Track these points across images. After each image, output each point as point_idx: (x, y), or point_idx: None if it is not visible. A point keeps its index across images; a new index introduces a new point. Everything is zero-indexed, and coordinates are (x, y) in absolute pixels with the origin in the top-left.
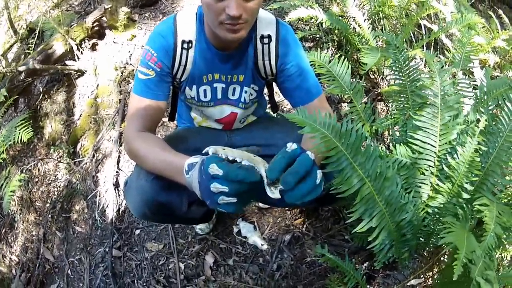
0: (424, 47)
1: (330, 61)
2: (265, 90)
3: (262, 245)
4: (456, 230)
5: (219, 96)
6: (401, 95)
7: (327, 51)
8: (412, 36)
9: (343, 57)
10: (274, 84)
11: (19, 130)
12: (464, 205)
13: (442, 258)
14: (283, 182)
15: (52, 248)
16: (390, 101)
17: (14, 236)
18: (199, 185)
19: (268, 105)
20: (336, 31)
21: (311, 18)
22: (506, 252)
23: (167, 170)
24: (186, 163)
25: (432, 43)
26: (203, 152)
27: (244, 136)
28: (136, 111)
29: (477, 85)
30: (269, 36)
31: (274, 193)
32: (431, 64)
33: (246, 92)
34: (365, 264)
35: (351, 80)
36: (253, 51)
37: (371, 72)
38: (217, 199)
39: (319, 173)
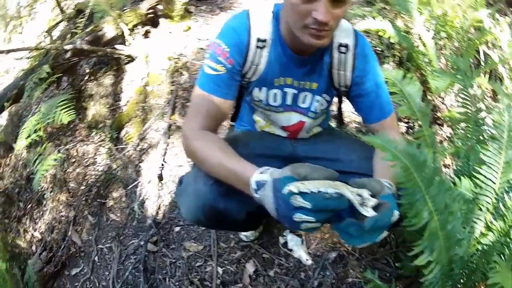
0: (483, 75)
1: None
2: None
3: (306, 260)
4: (502, 271)
5: (288, 102)
6: (465, 124)
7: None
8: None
9: (414, 76)
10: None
11: (60, 110)
12: (511, 245)
13: None
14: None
15: (81, 232)
16: (452, 127)
17: (41, 213)
18: (276, 211)
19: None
20: (398, 46)
21: (378, 31)
22: None
23: (229, 177)
24: (254, 180)
25: (489, 71)
26: (283, 192)
27: (309, 147)
28: (200, 108)
29: None
30: (346, 45)
31: (368, 211)
32: (501, 97)
33: (318, 101)
34: None
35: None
36: (329, 59)
37: (429, 94)
38: (300, 226)
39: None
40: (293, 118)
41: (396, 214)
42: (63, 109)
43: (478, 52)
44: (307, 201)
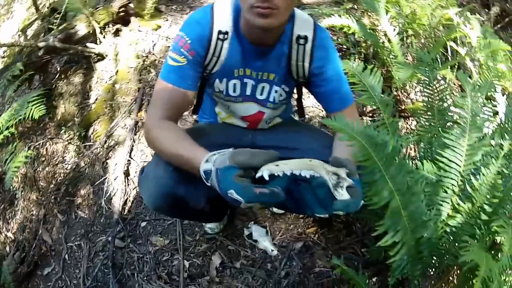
0: (449, 68)
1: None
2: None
3: (272, 250)
4: (475, 249)
5: (247, 92)
6: (428, 113)
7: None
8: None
9: (376, 68)
10: (303, 88)
11: (31, 106)
12: (482, 226)
13: (451, 279)
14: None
15: (51, 230)
16: (416, 118)
17: (13, 213)
18: (225, 198)
19: (294, 109)
20: (364, 44)
21: (342, 27)
22: None
23: (185, 166)
24: (202, 169)
25: (456, 66)
26: (257, 176)
27: (268, 138)
28: (161, 98)
29: (497, 111)
30: (305, 37)
31: (342, 194)
32: (464, 84)
33: (276, 92)
34: (374, 280)
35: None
36: (288, 51)
37: (394, 89)
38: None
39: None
40: (252, 108)
41: (361, 204)
42: (34, 105)
43: (446, 48)
44: (240, 196)
